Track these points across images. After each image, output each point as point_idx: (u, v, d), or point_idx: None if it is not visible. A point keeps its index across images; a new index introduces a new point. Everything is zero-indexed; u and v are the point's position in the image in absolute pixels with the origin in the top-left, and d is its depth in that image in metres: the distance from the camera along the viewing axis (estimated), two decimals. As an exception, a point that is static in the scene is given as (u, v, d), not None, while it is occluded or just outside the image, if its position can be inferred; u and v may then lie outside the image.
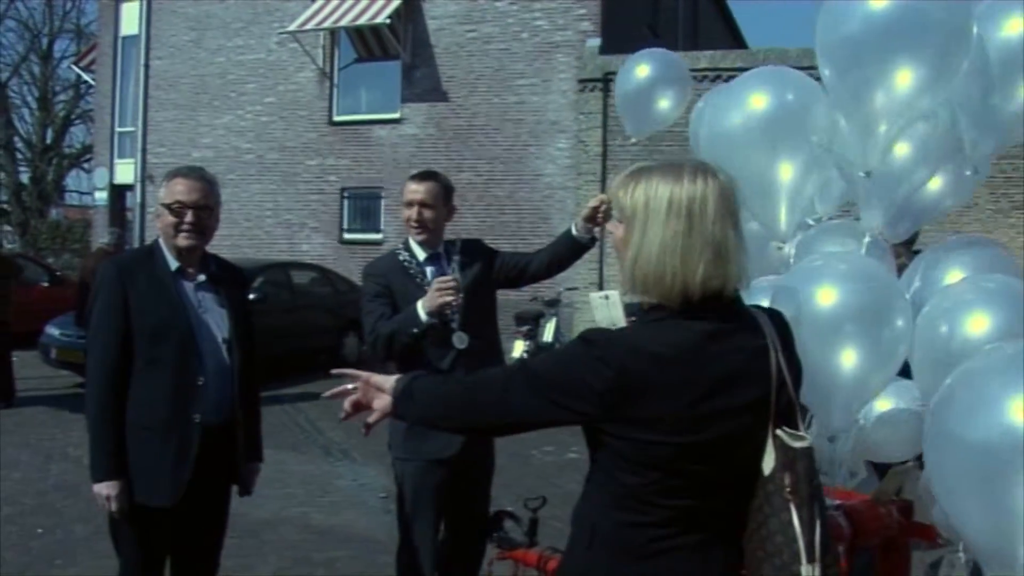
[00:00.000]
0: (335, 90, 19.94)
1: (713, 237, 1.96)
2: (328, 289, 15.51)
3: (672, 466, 1.95)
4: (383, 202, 19.22)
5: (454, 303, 3.84)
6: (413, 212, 4.11)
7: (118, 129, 22.21)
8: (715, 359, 1.97)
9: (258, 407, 3.90)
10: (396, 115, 19.15)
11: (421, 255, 4.17)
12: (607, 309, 4.04)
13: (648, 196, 2.02)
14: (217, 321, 3.66)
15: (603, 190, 16.62)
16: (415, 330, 3.87)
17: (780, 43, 47.54)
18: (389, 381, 2.24)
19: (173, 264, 3.60)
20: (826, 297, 2.69)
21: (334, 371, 2.37)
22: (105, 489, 3.44)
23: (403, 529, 4.19)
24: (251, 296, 12.79)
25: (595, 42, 17.26)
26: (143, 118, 20.41)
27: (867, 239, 3.09)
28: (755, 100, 3.40)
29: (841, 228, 3.42)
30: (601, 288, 16.71)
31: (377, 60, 19.32)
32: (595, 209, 4.05)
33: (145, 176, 18.39)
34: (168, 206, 3.55)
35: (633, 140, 4.87)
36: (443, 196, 4.18)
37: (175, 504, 3.49)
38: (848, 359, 2.64)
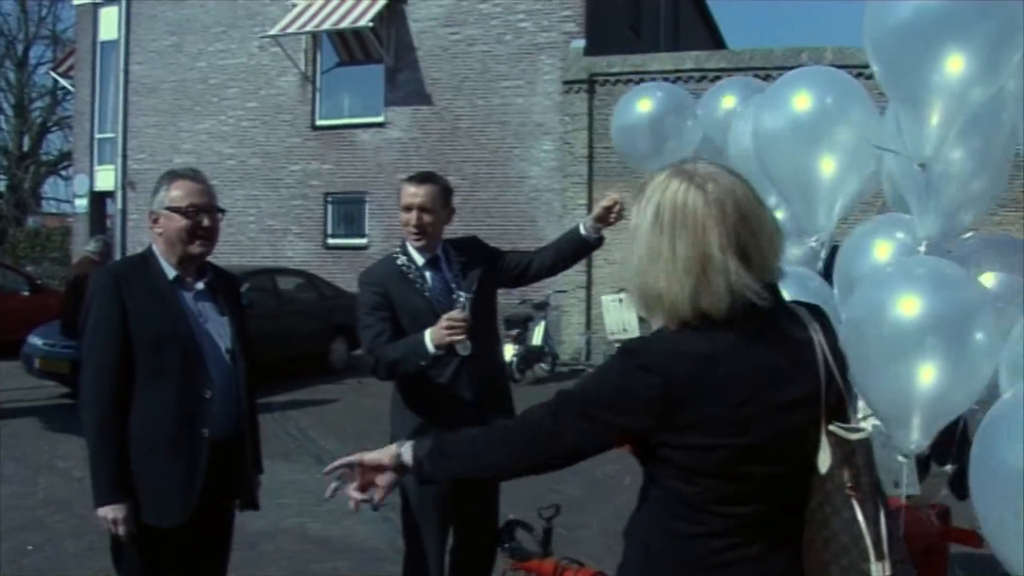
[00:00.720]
0: (318, 94, 19.79)
1: (700, 254, 1.85)
2: (314, 295, 15.35)
3: (726, 471, 1.87)
4: (367, 207, 19.07)
5: (463, 339, 3.63)
6: (412, 217, 3.94)
7: (98, 135, 21.95)
8: (760, 355, 1.89)
9: (257, 418, 3.77)
10: (380, 119, 19.02)
11: (420, 259, 4.01)
12: (619, 312, 3.98)
13: (640, 205, 1.94)
14: (219, 330, 3.52)
15: (589, 192, 16.59)
16: (422, 362, 3.71)
17: (758, 43, 47.79)
18: (387, 453, 2.16)
19: (170, 273, 3.44)
20: (904, 306, 2.54)
21: (326, 470, 2.23)
22: (111, 512, 3.26)
23: (409, 541, 4.06)
24: (238, 303, 12.75)
25: (579, 43, 17.16)
26: (123, 124, 20.30)
27: (923, 247, 2.98)
28: (797, 100, 3.32)
29: (887, 225, 3.34)
30: (588, 291, 16.65)
31: (360, 64, 19.21)
32: (608, 209, 3.96)
33: (126, 183, 18.21)
34: (182, 210, 3.39)
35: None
36: (442, 198, 4.02)
37: (184, 524, 3.36)
38: (929, 374, 2.50)
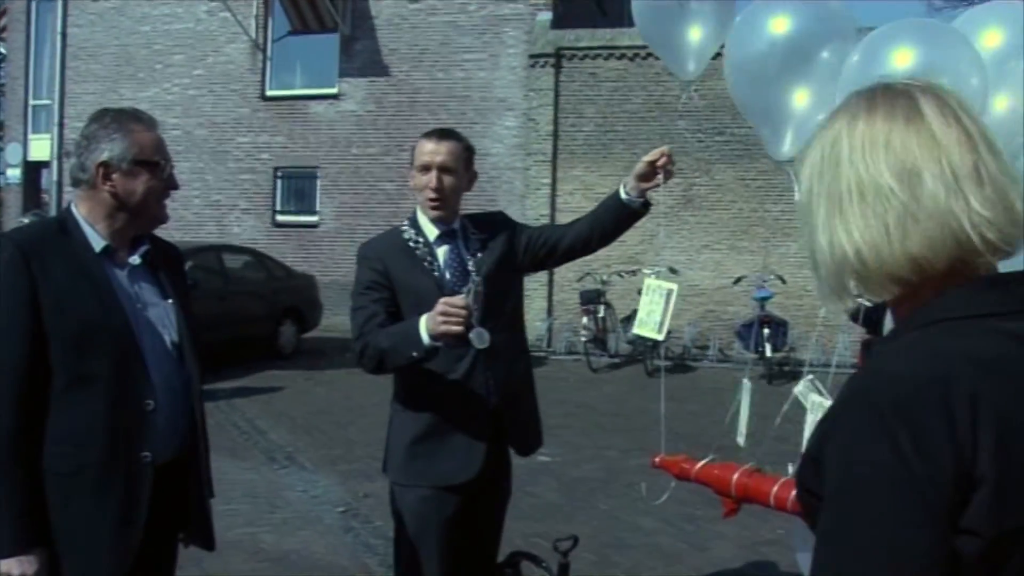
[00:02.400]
0: (268, 63, 18.83)
1: (901, 173, 1.21)
2: (263, 274, 14.56)
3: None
4: (319, 183, 18.27)
5: (461, 330, 2.89)
6: (431, 179, 3.21)
7: (32, 102, 20.76)
8: None
9: (206, 428, 2.93)
10: (334, 90, 18.20)
11: (432, 233, 3.31)
12: (659, 306, 3.25)
13: (812, 153, 1.32)
14: (161, 319, 2.71)
15: (554, 172, 15.97)
16: (414, 354, 2.97)
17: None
18: None
19: (98, 243, 2.61)
20: None
21: None
22: (16, 567, 2.42)
23: (403, 573, 3.34)
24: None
25: (546, 16, 16.46)
26: (60, 90, 19.31)
27: None
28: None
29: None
30: (550, 275, 16.00)
31: (313, 32, 18.21)
32: (652, 164, 3.22)
33: (63, 152, 17.20)
34: (156, 166, 2.64)
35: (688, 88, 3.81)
36: (465, 159, 3.32)
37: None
38: None
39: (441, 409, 3.21)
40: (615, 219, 3.39)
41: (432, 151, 3.22)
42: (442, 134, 3.29)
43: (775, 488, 2.59)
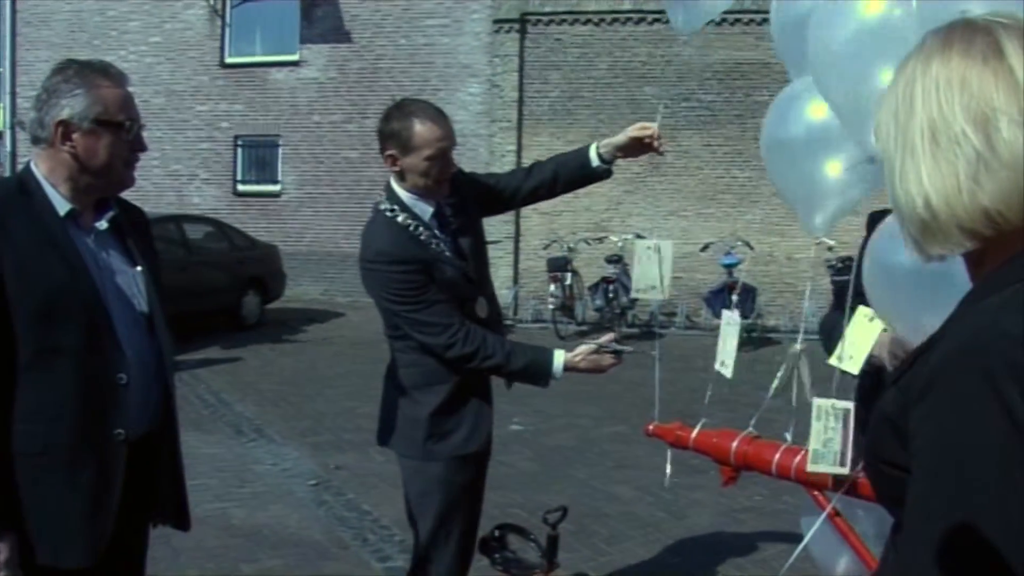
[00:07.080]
0: (228, 29, 18.45)
1: (976, 119, 1.10)
2: (225, 244, 14.32)
3: None
4: (280, 151, 18.02)
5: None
6: (449, 165, 3.07)
7: (-18, 69, 20.27)
8: None
9: (175, 402, 2.78)
10: (294, 57, 17.90)
11: (426, 213, 3.12)
12: (652, 265, 3.15)
13: (888, 97, 1.23)
14: (131, 287, 2.53)
15: (519, 138, 15.85)
16: (541, 383, 3.17)
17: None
18: None
19: (62, 207, 2.42)
20: None
21: None
22: None
23: (425, 547, 3.24)
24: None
25: (510, -20, 16.24)
26: (11, 58, 18.77)
27: None
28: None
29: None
30: (516, 243, 15.87)
31: (273, -3, 17.93)
32: (639, 140, 3.16)
33: (15, 122, 16.77)
34: (122, 125, 2.45)
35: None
36: None
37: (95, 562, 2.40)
38: None
39: (452, 383, 3.14)
40: (578, 177, 3.38)
41: (443, 136, 3.03)
42: (442, 113, 3.11)
43: (777, 455, 2.51)
